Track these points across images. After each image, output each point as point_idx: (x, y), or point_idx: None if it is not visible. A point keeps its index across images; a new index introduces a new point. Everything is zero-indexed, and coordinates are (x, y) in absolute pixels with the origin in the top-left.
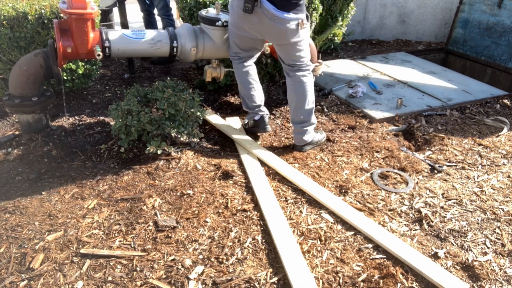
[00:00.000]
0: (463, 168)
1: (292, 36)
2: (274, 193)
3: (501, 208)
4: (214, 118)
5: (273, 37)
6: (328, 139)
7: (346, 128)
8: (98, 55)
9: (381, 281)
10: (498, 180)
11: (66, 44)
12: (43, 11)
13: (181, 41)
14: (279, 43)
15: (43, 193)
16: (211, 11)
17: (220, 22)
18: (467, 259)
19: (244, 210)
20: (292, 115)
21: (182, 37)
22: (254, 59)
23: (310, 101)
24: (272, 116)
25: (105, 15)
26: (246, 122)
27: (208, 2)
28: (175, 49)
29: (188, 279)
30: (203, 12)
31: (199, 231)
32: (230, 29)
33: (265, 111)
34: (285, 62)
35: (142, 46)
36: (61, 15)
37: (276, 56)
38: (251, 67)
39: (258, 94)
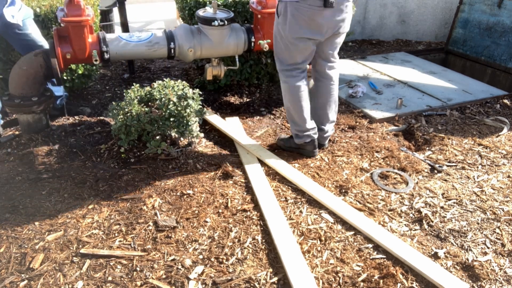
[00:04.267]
0: (463, 168)
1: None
2: (274, 193)
3: (501, 208)
4: (214, 118)
5: (340, 28)
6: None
7: (346, 128)
8: (96, 60)
9: (381, 281)
10: (498, 180)
11: (65, 50)
12: (42, 10)
13: (178, 42)
14: (343, 32)
15: (43, 193)
16: (209, 11)
17: (216, 21)
18: (467, 259)
19: (244, 210)
20: (331, 116)
21: (179, 38)
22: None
23: None
24: (272, 116)
25: (105, 15)
26: (289, 143)
27: (208, 2)
28: (172, 51)
29: (188, 279)
30: (200, 11)
31: (199, 231)
32: (289, 39)
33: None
34: (333, 56)
35: (140, 49)
36: None
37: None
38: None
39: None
